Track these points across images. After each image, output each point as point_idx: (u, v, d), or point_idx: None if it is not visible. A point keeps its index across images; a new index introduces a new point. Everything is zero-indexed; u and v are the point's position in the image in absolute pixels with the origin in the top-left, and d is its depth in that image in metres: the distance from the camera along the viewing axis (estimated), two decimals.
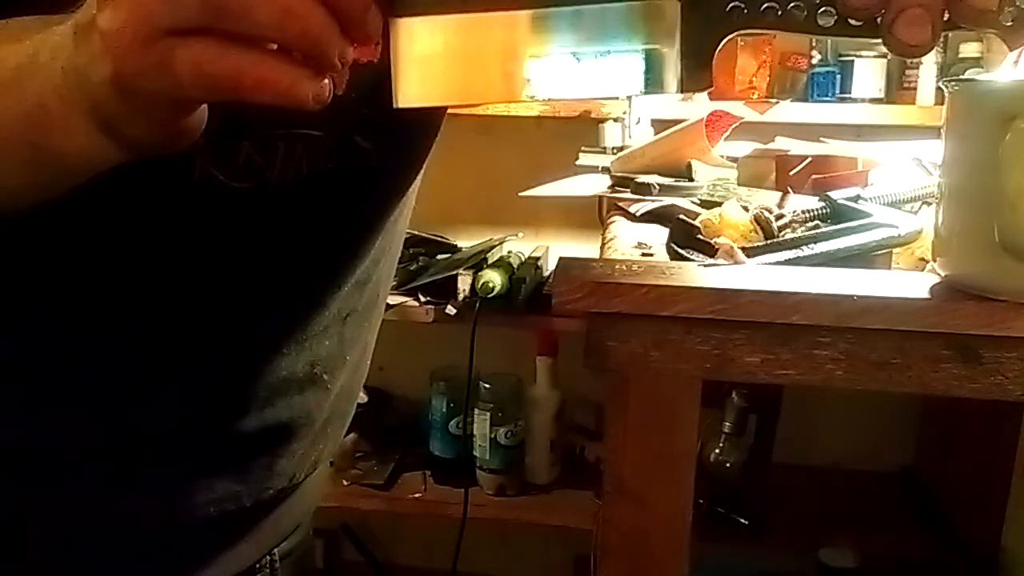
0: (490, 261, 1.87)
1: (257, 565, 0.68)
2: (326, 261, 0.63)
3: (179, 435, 0.60)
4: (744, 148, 1.10)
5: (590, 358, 0.60)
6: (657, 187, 0.97)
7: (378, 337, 0.75)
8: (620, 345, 0.59)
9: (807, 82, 1.89)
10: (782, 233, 0.73)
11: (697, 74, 0.42)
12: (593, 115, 1.82)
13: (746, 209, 0.75)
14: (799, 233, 0.73)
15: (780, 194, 0.89)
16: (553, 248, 2.05)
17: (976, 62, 1.74)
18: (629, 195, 0.98)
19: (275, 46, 0.37)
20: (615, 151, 1.57)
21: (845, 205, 0.77)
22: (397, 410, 2.16)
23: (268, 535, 0.68)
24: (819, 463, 2.03)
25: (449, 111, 0.63)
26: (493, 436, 1.92)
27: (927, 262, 0.66)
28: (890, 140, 1.09)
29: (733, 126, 1.19)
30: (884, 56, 1.83)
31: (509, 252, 1.97)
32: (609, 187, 1.05)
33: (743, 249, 0.66)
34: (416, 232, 1.95)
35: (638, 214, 0.92)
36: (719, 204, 0.80)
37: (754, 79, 1.83)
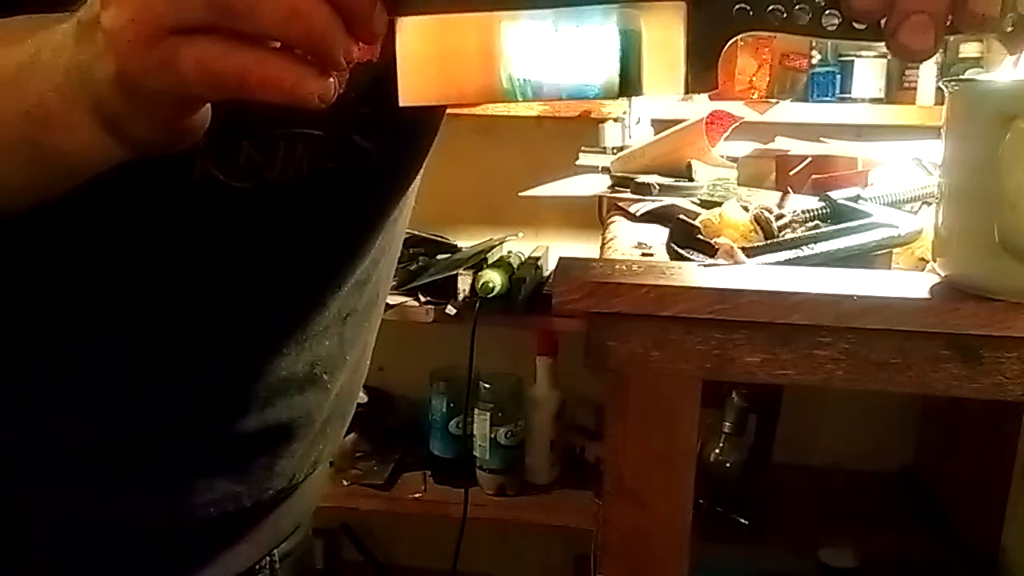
0: (490, 261, 1.87)
1: (257, 566, 0.68)
2: (326, 261, 0.63)
3: (179, 435, 0.60)
4: (744, 148, 1.10)
5: (590, 358, 0.60)
6: (657, 187, 0.97)
7: (378, 337, 0.75)
8: (620, 345, 0.59)
9: (807, 82, 1.89)
10: (782, 233, 0.73)
11: (703, 75, 0.42)
12: (593, 115, 1.82)
13: (746, 209, 0.75)
14: (799, 233, 0.73)
15: (780, 194, 0.89)
16: (553, 248, 2.05)
17: (976, 62, 1.74)
18: (629, 195, 0.98)
19: (278, 44, 0.37)
20: (615, 151, 1.57)
21: (845, 205, 0.77)
22: (397, 410, 2.16)
23: (268, 535, 0.68)
24: (819, 463, 2.03)
25: (449, 111, 0.63)
26: (493, 436, 1.91)
27: (927, 262, 0.66)
28: (890, 140, 1.09)
29: (733, 126, 1.19)
30: (884, 56, 1.83)
31: (509, 252, 1.97)
32: (609, 187, 1.05)
33: (743, 249, 0.66)
34: (416, 232, 1.95)
35: (638, 214, 0.92)
36: (719, 204, 0.80)
37: (754, 79, 1.83)
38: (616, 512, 0.62)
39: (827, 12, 0.41)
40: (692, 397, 0.61)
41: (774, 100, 1.80)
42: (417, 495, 1.94)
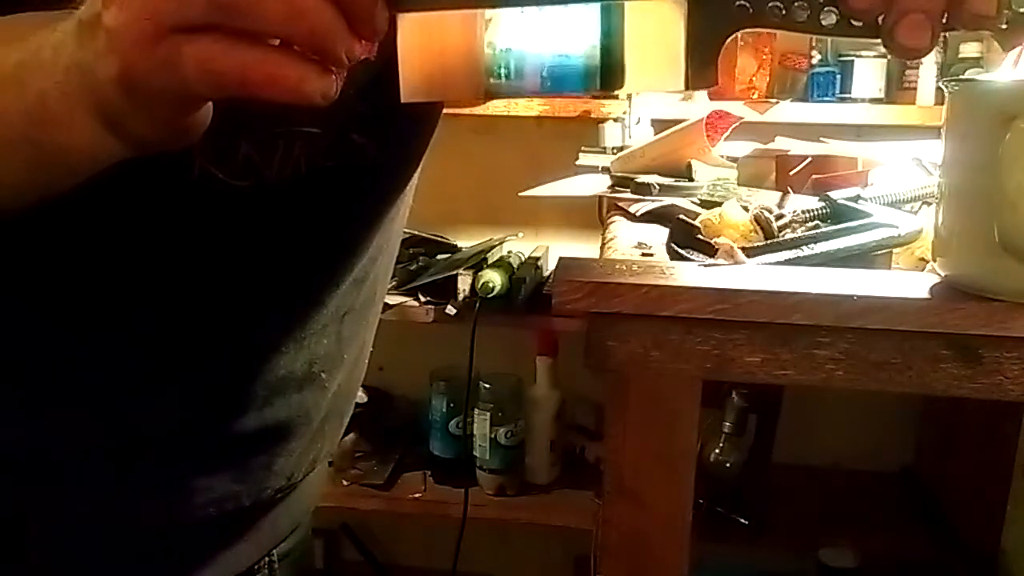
0: (490, 261, 1.87)
1: (256, 565, 0.68)
2: (325, 259, 0.63)
3: (179, 435, 0.60)
4: (744, 148, 1.10)
5: (590, 358, 0.60)
6: (657, 187, 0.97)
7: (378, 337, 0.75)
8: (620, 345, 0.59)
9: (807, 82, 1.89)
10: (782, 233, 0.73)
11: (703, 71, 0.42)
12: (593, 115, 1.82)
13: (746, 209, 0.75)
14: (799, 233, 0.73)
15: (780, 194, 0.89)
16: (553, 248, 2.05)
17: (976, 62, 1.74)
18: (629, 195, 0.98)
19: (277, 42, 0.37)
20: (615, 151, 1.57)
21: (845, 205, 0.77)
22: (397, 410, 2.16)
23: (267, 535, 0.68)
24: (819, 463, 2.03)
25: (449, 111, 0.63)
26: (493, 436, 1.91)
27: (927, 262, 0.66)
28: (890, 140, 1.09)
29: (733, 126, 1.19)
30: (884, 56, 1.83)
31: (509, 252, 1.97)
32: (609, 187, 1.05)
33: (743, 249, 0.66)
34: (416, 232, 1.95)
35: (638, 214, 0.92)
36: (719, 204, 0.80)
37: (754, 79, 1.83)
38: (616, 512, 0.62)
39: (825, 9, 0.42)
40: (692, 397, 0.61)
41: (774, 100, 1.80)
42: (417, 495, 1.94)
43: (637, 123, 1.73)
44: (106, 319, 0.57)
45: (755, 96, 1.81)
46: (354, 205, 0.63)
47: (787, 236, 0.72)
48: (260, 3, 0.36)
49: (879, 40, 0.41)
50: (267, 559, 0.69)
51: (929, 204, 0.82)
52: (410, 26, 0.41)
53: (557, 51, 0.42)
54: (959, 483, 1.80)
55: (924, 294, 0.58)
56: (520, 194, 1.21)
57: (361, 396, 0.77)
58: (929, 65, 1.79)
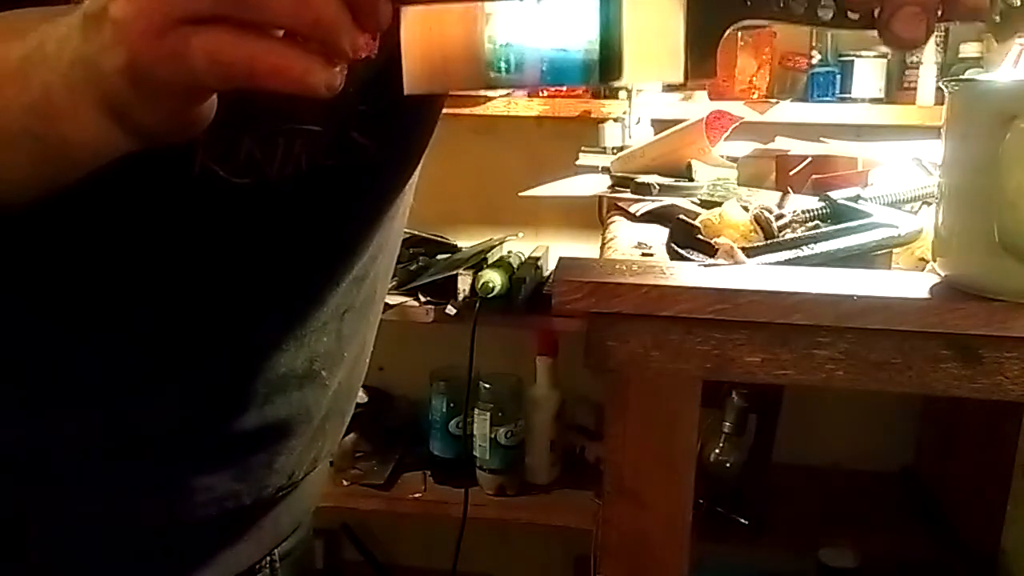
0: (490, 261, 1.87)
1: (257, 565, 0.68)
2: (325, 257, 0.63)
3: (179, 433, 0.60)
4: (744, 148, 1.10)
5: (590, 358, 0.60)
6: (657, 187, 0.97)
7: (378, 337, 0.75)
8: (620, 345, 0.59)
9: (807, 82, 1.89)
10: (782, 233, 0.73)
11: (702, 63, 0.43)
12: (593, 115, 1.82)
13: (746, 209, 0.75)
14: (799, 233, 0.73)
15: (780, 194, 0.89)
16: (553, 248, 2.05)
17: (976, 62, 1.74)
18: (629, 195, 0.98)
19: (281, 33, 0.38)
20: (615, 151, 1.57)
21: (845, 205, 0.77)
22: (397, 410, 2.16)
23: (268, 534, 0.68)
24: (819, 463, 2.03)
25: (449, 111, 0.63)
26: (493, 436, 1.92)
27: (927, 262, 0.66)
28: (890, 140, 1.09)
29: (733, 126, 1.19)
30: (884, 56, 1.82)
31: (509, 252, 1.97)
32: (609, 187, 1.05)
33: (743, 249, 0.66)
34: (416, 232, 1.95)
35: (638, 214, 0.92)
36: (719, 204, 0.80)
37: (754, 79, 1.83)
38: (616, 512, 0.62)
39: (822, 2, 0.42)
40: (692, 397, 0.61)
41: (774, 100, 1.80)
42: (417, 495, 1.94)
43: (637, 123, 1.73)
44: (106, 317, 0.57)
45: (755, 96, 1.81)
46: (354, 203, 0.63)
47: (787, 236, 0.72)
48: None
49: (875, 31, 0.42)
50: (268, 558, 0.69)
51: (929, 204, 0.82)
52: (413, 19, 0.41)
53: (556, 45, 0.42)
54: (959, 483, 1.80)
55: (924, 294, 0.58)
56: (520, 194, 1.21)
57: (361, 396, 0.77)
58: (929, 65, 1.79)
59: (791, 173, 0.97)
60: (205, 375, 0.60)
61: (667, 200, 0.94)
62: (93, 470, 0.59)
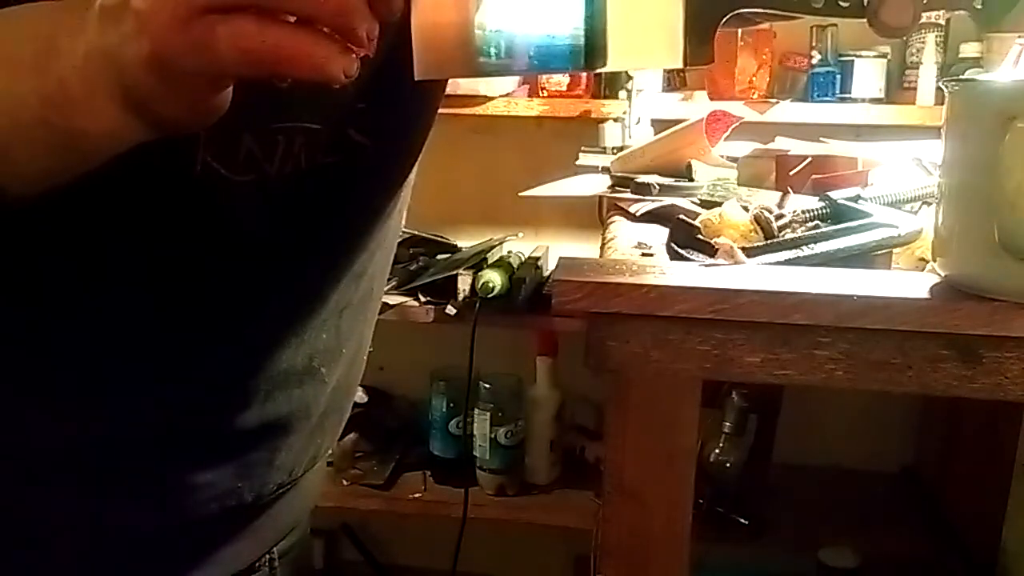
0: (490, 261, 1.87)
1: (257, 563, 0.68)
2: (324, 253, 0.63)
3: (181, 430, 0.60)
4: (744, 148, 1.10)
5: (590, 358, 0.60)
6: (657, 187, 0.97)
7: (378, 337, 0.75)
8: (620, 345, 0.59)
9: (807, 82, 1.89)
10: (782, 233, 0.73)
11: (699, 49, 0.44)
12: (593, 115, 1.82)
13: (746, 209, 0.75)
14: (799, 233, 0.73)
15: (780, 194, 0.89)
16: (553, 248, 2.05)
17: (976, 62, 1.74)
18: (629, 195, 0.98)
19: (292, 19, 0.38)
20: (615, 151, 1.57)
21: (845, 205, 0.77)
22: (397, 410, 2.16)
23: (268, 532, 0.68)
24: (819, 463, 2.03)
25: (448, 111, 0.63)
26: (493, 436, 1.91)
27: (927, 262, 0.66)
28: (890, 140, 1.09)
29: (733, 126, 1.19)
30: (884, 56, 1.82)
31: (509, 252, 1.97)
32: (609, 187, 1.05)
33: (743, 249, 0.66)
34: (416, 232, 1.95)
35: (638, 214, 0.92)
36: (719, 204, 0.80)
37: (754, 79, 1.83)
38: (616, 512, 0.62)
39: None
40: (692, 397, 0.61)
41: (774, 100, 1.80)
42: (417, 495, 1.94)
43: (637, 123, 1.73)
44: (106, 315, 0.57)
45: (755, 96, 1.81)
46: (353, 200, 0.63)
47: (787, 236, 0.72)
48: None
49: (864, 19, 0.44)
50: (268, 556, 0.69)
51: (929, 204, 0.82)
52: (423, 6, 0.42)
53: (544, 31, 0.43)
54: (959, 483, 1.80)
55: (924, 294, 0.58)
56: (520, 194, 1.21)
57: (361, 396, 0.77)
58: (929, 65, 1.78)
59: (791, 173, 0.97)
60: (206, 372, 0.60)
61: (667, 200, 0.94)
62: (95, 468, 0.59)
